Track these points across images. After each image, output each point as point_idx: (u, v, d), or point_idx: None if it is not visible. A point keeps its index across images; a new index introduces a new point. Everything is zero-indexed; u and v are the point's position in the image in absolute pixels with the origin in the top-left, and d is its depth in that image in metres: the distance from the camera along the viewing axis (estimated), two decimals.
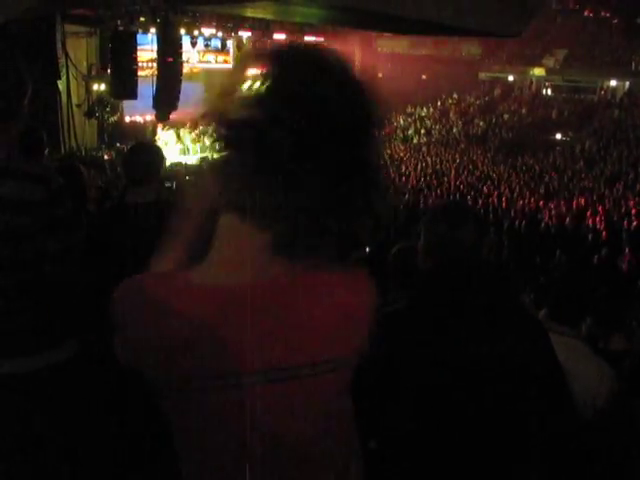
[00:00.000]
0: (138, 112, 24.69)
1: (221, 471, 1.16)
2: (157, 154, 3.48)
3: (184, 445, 1.20)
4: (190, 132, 23.30)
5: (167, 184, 3.65)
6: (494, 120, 33.12)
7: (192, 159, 21.69)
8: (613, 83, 33.62)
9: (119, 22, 19.13)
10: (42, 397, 2.05)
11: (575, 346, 2.58)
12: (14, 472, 2.07)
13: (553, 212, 15.62)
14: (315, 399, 1.17)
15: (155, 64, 21.06)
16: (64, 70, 19.00)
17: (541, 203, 17.02)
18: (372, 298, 1.24)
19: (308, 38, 25.73)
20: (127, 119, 25.20)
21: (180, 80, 20.13)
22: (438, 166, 24.29)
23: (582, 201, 17.19)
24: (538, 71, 35.71)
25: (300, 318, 1.14)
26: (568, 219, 14.62)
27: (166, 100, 19.93)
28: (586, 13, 37.15)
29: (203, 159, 1.23)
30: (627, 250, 10.39)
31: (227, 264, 1.12)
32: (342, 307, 1.18)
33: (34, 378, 2.03)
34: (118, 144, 23.06)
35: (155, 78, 20.58)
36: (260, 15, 19.82)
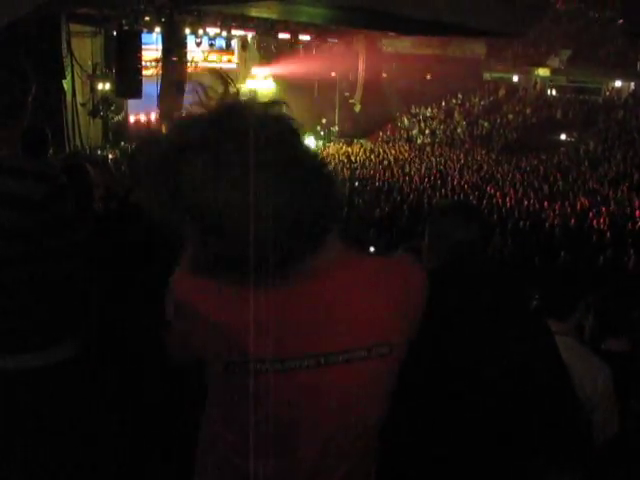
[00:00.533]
0: (142, 111, 24.74)
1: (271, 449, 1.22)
2: None
3: (226, 425, 1.26)
4: None
5: None
6: (498, 120, 33.08)
7: None
8: (618, 84, 33.55)
9: (124, 21, 19.18)
10: (44, 394, 2.06)
11: (569, 344, 2.58)
12: (15, 468, 2.08)
13: (557, 213, 15.60)
14: (372, 381, 1.22)
15: (160, 63, 21.12)
16: (69, 69, 19.07)
17: (545, 204, 17.00)
18: (420, 282, 1.30)
19: (313, 38, 25.74)
20: (131, 118, 25.26)
21: (184, 79, 20.17)
22: (442, 166, 24.27)
23: (586, 202, 17.16)
24: (543, 72, 35.64)
25: (349, 304, 1.18)
26: (572, 220, 14.61)
27: (170, 99, 19.96)
28: (591, 13, 37.08)
29: None
30: (632, 251, 10.38)
31: None
32: (391, 291, 1.22)
33: (36, 375, 2.04)
34: (122, 143, 23.11)
35: (159, 77, 20.62)
36: (265, 15, 19.85)
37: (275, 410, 1.19)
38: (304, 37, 25.15)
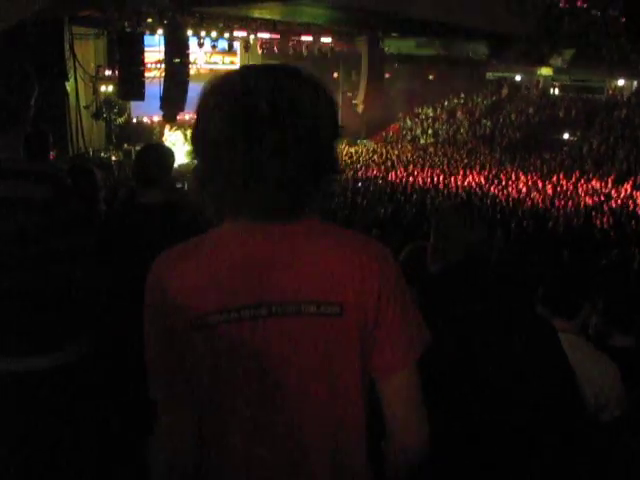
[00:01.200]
0: (145, 113, 24.76)
1: (224, 399, 1.31)
2: (168, 155, 3.49)
3: (203, 383, 1.32)
4: None
5: (178, 185, 3.67)
6: (501, 120, 33.03)
7: None
8: (621, 83, 33.48)
9: (126, 23, 19.21)
10: (51, 397, 2.07)
11: (576, 343, 2.58)
12: (16, 469, 2.09)
13: (561, 212, 15.57)
14: (318, 337, 1.29)
15: (162, 65, 21.14)
16: (72, 71, 19.11)
17: (549, 203, 16.98)
18: (378, 253, 1.34)
19: (315, 38, 25.73)
20: (134, 120, 25.27)
21: (187, 81, 20.19)
22: (445, 166, 24.25)
23: (590, 201, 17.14)
24: (545, 71, 35.57)
25: (305, 261, 1.28)
26: (576, 219, 14.59)
27: (173, 101, 19.99)
28: (593, 12, 36.99)
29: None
30: (636, 250, 10.36)
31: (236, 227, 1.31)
32: (347, 257, 1.29)
33: (42, 378, 2.04)
34: (126, 145, 23.12)
35: (162, 79, 20.64)
36: (267, 16, 19.86)
37: (241, 360, 1.28)
38: (306, 38, 25.14)
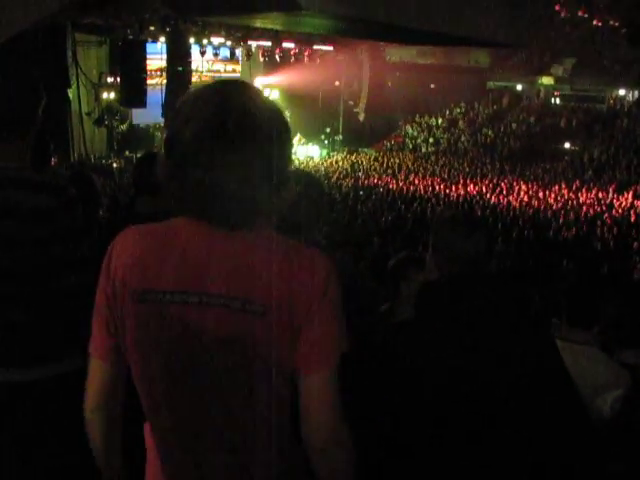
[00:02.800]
0: (147, 120, 24.81)
1: (152, 379, 1.43)
2: None
3: (133, 351, 1.45)
4: None
5: None
6: (502, 129, 33.07)
7: None
8: (622, 92, 33.53)
9: (129, 31, 19.30)
10: (53, 406, 2.06)
11: (591, 354, 2.57)
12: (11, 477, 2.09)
13: (562, 221, 15.58)
14: (239, 332, 1.38)
15: (164, 73, 21.20)
16: (74, 78, 19.15)
17: (549, 212, 16.98)
18: (313, 265, 1.42)
19: (317, 47, 25.82)
20: (136, 127, 25.32)
21: (189, 89, 20.20)
22: (446, 175, 24.27)
23: (591, 210, 17.14)
24: (546, 80, 35.64)
25: (239, 261, 1.39)
26: (577, 228, 14.59)
27: (175, 108, 19.99)
28: (595, 22, 37.08)
29: None
30: (638, 259, 10.35)
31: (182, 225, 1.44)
32: (281, 265, 1.38)
33: (44, 387, 2.04)
34: (127, 152, 23.17)
35: (164, 87, 20.69)
36: (269, 26, 19.91)
37: (166, 338, 1.40)
38: (308, 47, 25.23)
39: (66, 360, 2.09)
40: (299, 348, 1.40)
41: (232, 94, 1.39)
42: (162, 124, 22.29)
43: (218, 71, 26.30)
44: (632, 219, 15.82)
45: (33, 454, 2.09)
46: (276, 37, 23.07)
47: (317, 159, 28.74)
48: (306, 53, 25.46)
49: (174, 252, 1.41)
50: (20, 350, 2.04)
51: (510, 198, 19.32)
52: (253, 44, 24.07)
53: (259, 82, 29.36)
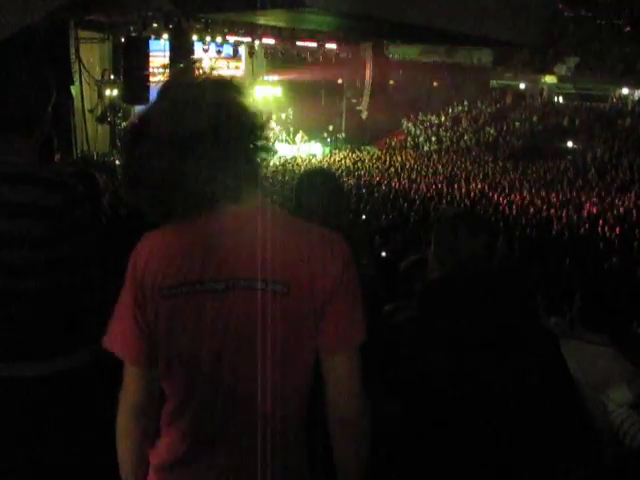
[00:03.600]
0: None
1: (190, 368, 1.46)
2: None
3: (164, 347, 1.47)
4: None
5: None
6: (505, 128, 33.03)
7: None
8: (625, 91, 33.48)
9: (132, 28, 19.29)
10: (57, 401, 2.07)
11: (607, 354, 2.57)
12: (16, 472, 2.09)
13: (564, 220, 15.55)
14: (266, 313, 1.41)
15: (167, 70, 21.16)
16: (77, 75, 19.15)
17: (552, 211, 16.96)
18: (338, 249, 1.47)
19: (320, 45, 25.80)
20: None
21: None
22: (449, 174, 24.24)
23: (594, 209, 17.11)
24: (550, 79, 35.60)
25: (258, 242, 1.42)
26: (579, 227, 14.57)
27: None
28: (598, 21, 37.02)
29: None
30: None
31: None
32: (296, 242, 1.44)
33: (50, 382, 2.05)
34: None
35: None
36: (272, 23, 19.90)
37: (200, 325, 1.43)
38: (311, 44, 25.20)
39: (73, 355, 2.10)
40: (324, 329, 1.45)
41: (211, 90, 1.46)
42: None
43: (221, 68, 26.27)
44: (634, 218, 15.78)
45: (40, 449, 2.09)
46: (279, 34, 23.04)
47: (319, 157, 28.72)
48: (309, 51, 25.42)
49: (196, 244, 1.46)
50: (27, 345, 2.05)
51: (512, 197, 19.29)
52: (256, 42, 24.06)
53: (262, 80, 29.36)
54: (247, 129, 1.47)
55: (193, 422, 1.49)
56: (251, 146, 1.47)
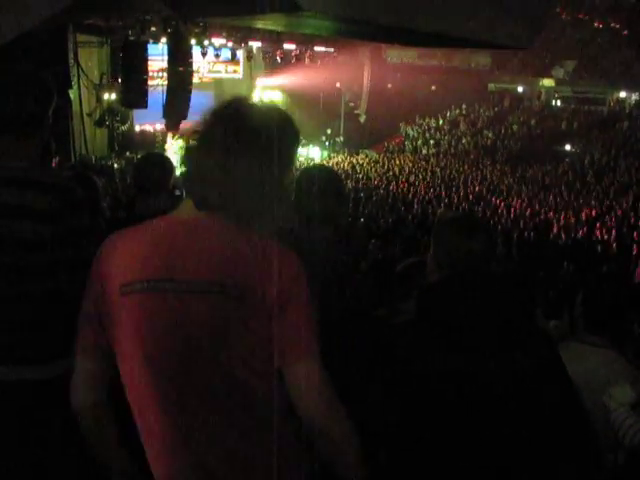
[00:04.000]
0: (148, 121, 24.83)
1: (133, 369, 1.51)
2: (167, 164, 3.52)
3: (122, 343, 1.51)
4: None
5: (177, 192, 3.70)
6: (503, 131, 33.08)
7: None
8: (622, 94, 33.54)
9: (130, 32, 19.27)
10: (58, 404, 2.07)
11: (609, 356, 2.57)
12: (25, 471, 2.09)
13: (562, 223, 15.57)
14: (219, 316, 1.45)
15: (165, 74, 21.19)
16: (75, 79, 19.14)
17: (550, 214, 16.98)
18: (288, 263, 1.51)
19: (318, 49, 25.84)
20: (137, 128, 25.33)
21: (190, 90, 20.24)
22: (447, 177, 24.27)
23: (592, 213, 17.13)
24: (547, 82, 35.67)
25: (218, 247, 1.48)
26: (577, 230, 14.59)
27: (176, 109, 20.04)
28: (596, 24, 37.10)
29: None
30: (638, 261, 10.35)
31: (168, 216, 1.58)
32: (256, 253, 1.48)
33: (50, 386, 2.05)
34: (128, 153, 23.18)
35: (165, 88, 20.69)
36: (271, 27, 19.88)
37: (154, 324, 1.47)
38: (309, 48, 25.22)
39: (66, 361, 2.10)
40: (278, 339, 1.47)
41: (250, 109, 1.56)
42: (163, 125, 22.31)
43: (219, 72, 26.31)
44: (632, 221, 15.80)
45: (40, 452, 2.09)
46: (277, 38, 23.05)
47: (318, 161, 28.74)
48: (307, 55, 25.44)
49: (156, 245, 1.50)
50: (27, 349, 2.05)
51: (510, 200, 19.31)
52: (254, 45, 24.07)
53: (260, 83, 29.38)
54: (291, 157, 1.63)
55: (155, 422, 1.52)
56: (286, 174, 1.57)
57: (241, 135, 1.49)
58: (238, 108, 1.55)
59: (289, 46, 24.53)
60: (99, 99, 22.41)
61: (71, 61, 18.18)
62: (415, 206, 17.42)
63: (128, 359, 1.52)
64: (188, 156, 1.56)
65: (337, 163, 27.56)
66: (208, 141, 1.52)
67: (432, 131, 34.26)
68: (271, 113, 1.59)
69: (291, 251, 1.54)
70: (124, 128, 24.16)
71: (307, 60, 25.59)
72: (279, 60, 25.02)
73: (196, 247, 1.48)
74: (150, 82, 20.51)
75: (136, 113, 23.92)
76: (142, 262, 1.49)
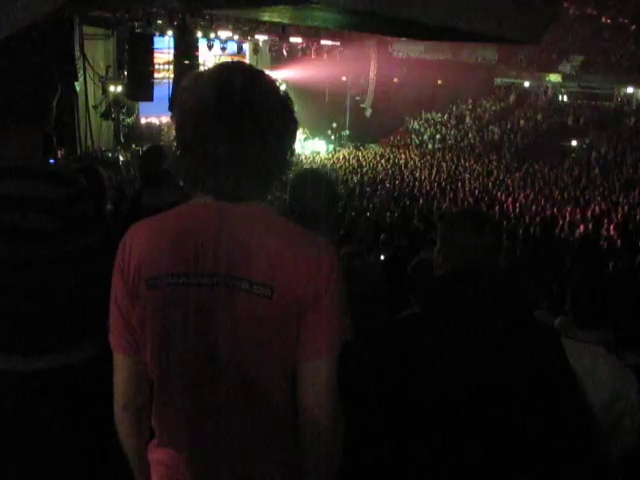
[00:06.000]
0: (154, 114, 24.86)
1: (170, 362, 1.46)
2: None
3: (149, 338, 1.47)
4: None
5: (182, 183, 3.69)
6: (509, 126, 33.01)
7: None
8: (630, 90, 33.43)
9: (136, 24, 19.29)
10: (62, 395, 2.07)
11: (599, 353, 2.56)
12: (20, 466, 2.09)
13: (568, 219, 15.54)
14: (248, 314, 1.41)
15: (171, 66, 21.22)
16: (81, 71, 19.16)
17: (556, 210, 16.95)
18: (325, 257, 1.45)
19: (324, 42, 25.80)
20: (143, 121, 25.36)
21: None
22: (453, 172, 24.24)
23: (597, 208, 17.10)
24: (554, 77, 35.57)
25: (248, 242, 1.42)
26: (583, 226, 14.55)
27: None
28: (603, 19, 36.98)
29: None
30: None
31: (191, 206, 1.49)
32: (289, 246, 1.42)
33: (53, 376, 2.05)
34: (133, 145, 23.20)
35: (171, 80, 20.71)
36: (277, 19, 19.87)
37: (182, 320, 1.43)
38: (315, 41, 25.20)
39: (73, 351, 2.10)
40: (305, 335, 1.44)
41: (234, 76, 1.44)
42: (169, 118, 22.33)
43: None
44: (638, 217, 15.76)
45: (35, 445, 2.09)
46: (283, 31, 23.03)
47: (323, 154, 28.73)
48: (313, 48, 25.42)
49: (184, 236, 1.44)
50: (27, 339, 2.05)
51: (516, 195, 19.27)
52: (260, 38, 24.05)
53: None
54: (288, 127, 1.48)
55: (177, 415, 1.50)
56: (287, 145, 1.48)
57: (256, 119, 1.42)
58: (242, 90, 1.44)
59: (295, 39, 24.50)
60: (105, 91, 22.43)
61: (77, 53, 18.20)
62: (420, 200, 17.40)
63: (155, 354, 1.48)
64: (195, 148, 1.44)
65: (343, 157, 27.55)
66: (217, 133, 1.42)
67: (438, 125, 34.21)
68: (272, 87, 1.48)
69: (327, 243, 1.49)
70: (130, 121, 24.19)
71: (313, 54, 25.56)
72: (285, 53, 24.98)
73: (224, 240, 1.43)
74: (156, 75, 20.55)
75: (142, 106, 23.95)
76: (169, 255, 1.44)
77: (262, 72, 1.49)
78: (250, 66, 1.51)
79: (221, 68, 1.48)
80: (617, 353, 2.87)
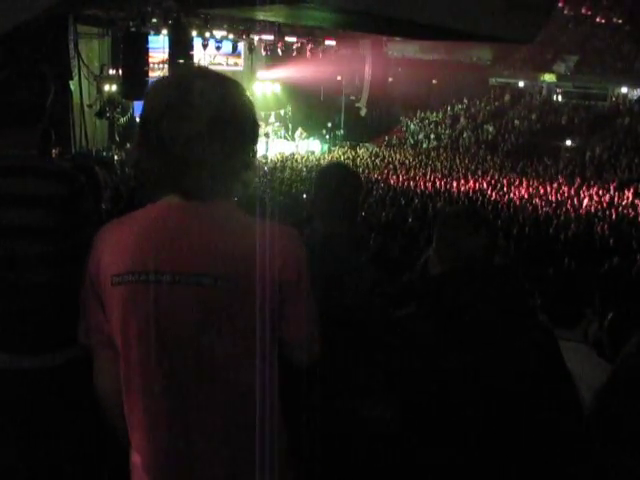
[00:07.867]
0: None
1: (137, 358, 1.48)
2: None
3: (117, 335, 1.50)
4: None
5: None
6: (504, 126, 33.04)
7: None
8: (624, 90, 33.49)
9: (131, 23, 19.23)
10: (58, 392, 2.08)
11: (581, 351, 2.58)
12: (24, 462, 2.10)
13: (562, 218, 15.57)
14: (211, 310, 1.44)
15: (166, 65, 21.16)
16: (76, 70, 19.09)
17: (550, 209, 16.98)
18: (293, 248, 1.51)
19: (319, 41, 25.78)
20: (138, 120, 25.26)
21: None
22: (447, 171, 24.25)
23: (591, 208, 17.14)
24: (549, 77, 35.61)
25: (211, 238, 1.45)
26: (577, 225, 14.58)
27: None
28: (598, 19, 37.04)
29: None
30: (638, 257, 10.34)
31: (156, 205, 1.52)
32: (256, 239, 1.44)
33: (51, 374, 2.06)
34: (128, 145, 23.13)
35: None
36: (272, 18, 19.85)
37: (144, 316, 1.45)
38: (310, 40, 25.17)
39: (75, 348, 2.11)
40: (282, 327, 1.51)
41: (195, 78, 1.46)
42: None
43: (220, 64, 26.21)
44: (632, 216, 15.81)
45: (41, 441, 2.10)
46: (278, 31, 22.99)
47: (318, 153, 28.71)
48: (308, 47, 25.38)
49: (146, 235, 1.48)
50: (31, 337, 2.06)
51: (511, 195, 19.30)
52: (255, 38, 24.01)
53: (261, 76, 29.33)
54: (249, 127, 1.49)
55: (147, 412, 1.51)
56: (249, 145, 1.50)
57: (218, 121, 1.44)
58: (202, 92, 1.45)
59: (290, 39, 24.47)
60: (99, 90, 22.36)
61: (72, 52, 18.14)
62: (415, 200, 17.41)
63: (122, 350, 1.51)
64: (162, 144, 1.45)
65: (337, 156, 27.52)
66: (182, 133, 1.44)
67: (433, 125, 34.22)
68: (233, 89, 1.50)
69: (291, 228, 1.53)
70: (124, 120, 24.12)
71: (308, 53, 25.54)
72: (280, 53, 24.95)
73: (187, 238, 1.46)
74: (151, 74, 20.45)
75: (137, 105, 23.86)
76: (132, 253, 1.47)
77: (223, 75, 1.52)
78: (212, 70, 1.54)
79: (183, 71, 1.56)
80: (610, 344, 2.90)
